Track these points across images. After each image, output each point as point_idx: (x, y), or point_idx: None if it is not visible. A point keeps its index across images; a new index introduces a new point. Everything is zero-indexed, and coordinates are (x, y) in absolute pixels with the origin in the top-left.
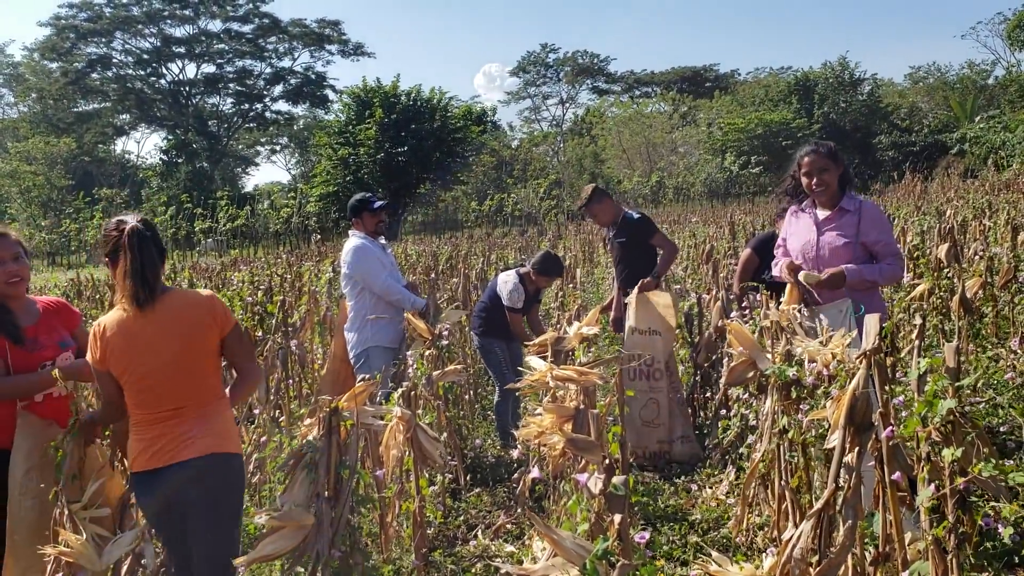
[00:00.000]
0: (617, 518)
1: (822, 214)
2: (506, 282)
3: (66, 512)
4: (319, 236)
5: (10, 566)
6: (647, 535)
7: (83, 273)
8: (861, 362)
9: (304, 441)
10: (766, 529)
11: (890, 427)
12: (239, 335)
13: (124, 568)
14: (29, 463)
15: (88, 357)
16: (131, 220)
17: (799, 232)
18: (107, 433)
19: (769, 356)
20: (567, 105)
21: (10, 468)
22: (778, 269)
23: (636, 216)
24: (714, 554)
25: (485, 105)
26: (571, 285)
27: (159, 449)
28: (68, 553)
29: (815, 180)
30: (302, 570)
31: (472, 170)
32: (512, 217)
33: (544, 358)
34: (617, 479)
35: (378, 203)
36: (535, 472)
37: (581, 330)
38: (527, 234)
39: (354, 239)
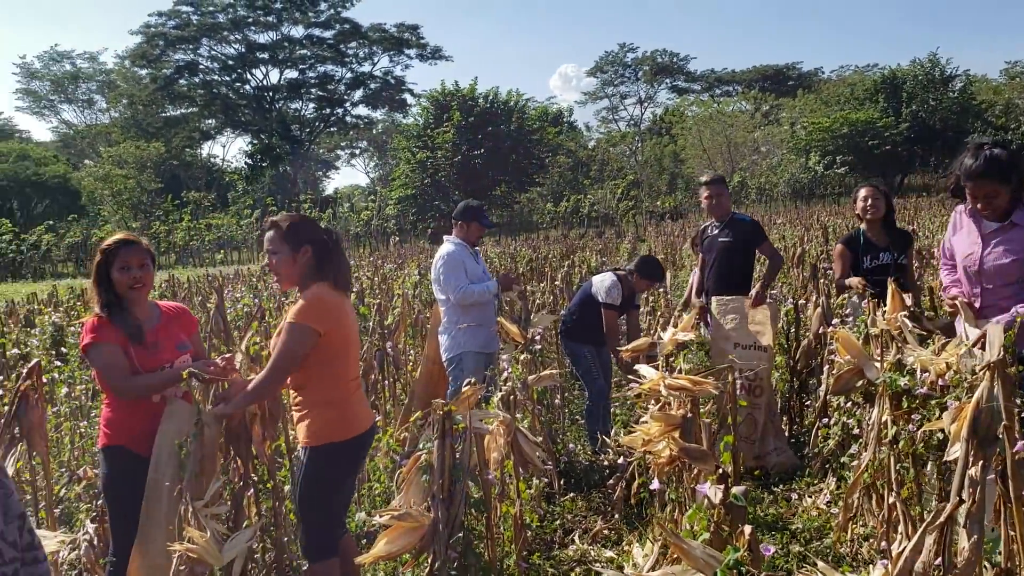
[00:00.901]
0: (748, 529)
1: (989, 226)
2: (603, 281)
3: (190, 508)
4: (397, 238)
5: (136, 560)
6: (772, 548)
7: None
8: (985, 373)
9: (420, 444)
10: (872, 540)
11: (1021, 441)
12: None
13: (237, 565)
14: (172, 450)
15: (311, 323)
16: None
17: (962, 242)
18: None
19: (878, 365)
20: (645, 105)
21: (155, 452)
22: (949, 292)
23: (748, 219)
24: (820, 564)
25: (561, 106)
26: (661, 289)
27: (362, 415)
28: (192, 549)
29: (980, 205)
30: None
31: (548, 171)
32: (588, 218)
33: (635, 363)
34: (737, 489)
35: (489, 221)
36: (655, 484)
37: (676, 335)
38: (604, 236)
39: (447, 245)
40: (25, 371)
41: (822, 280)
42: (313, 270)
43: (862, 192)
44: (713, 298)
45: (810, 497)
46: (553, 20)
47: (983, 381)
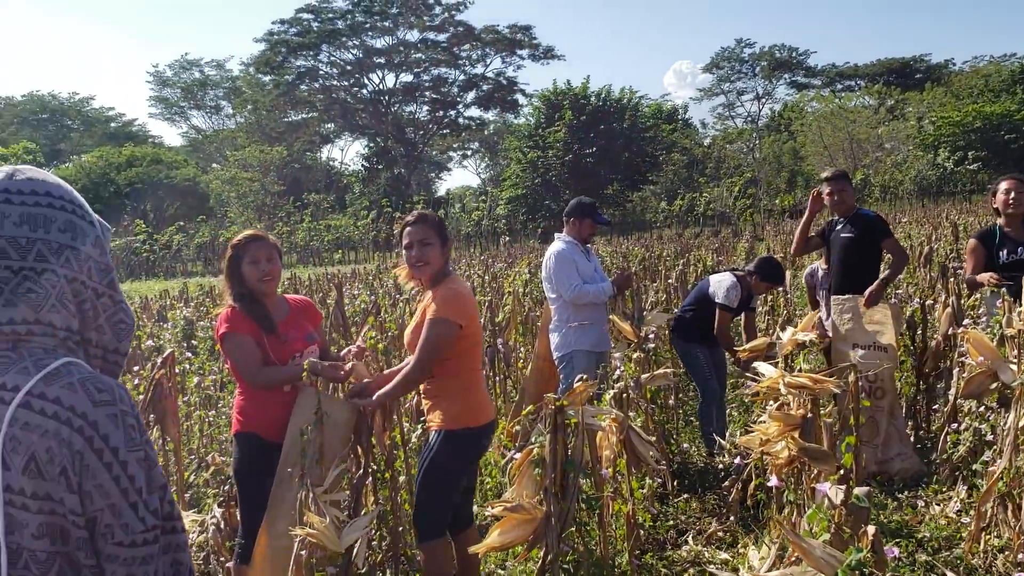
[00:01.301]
0: (871, 529)
1: None
2: (721, 281)
3: (311, 495)
4: (508, 238)
5: (262, 542)
6: (896, 550)
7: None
8: None
9: (532, 438)
10: (1007, 553)
11: None
12: None
13: (356, 550)
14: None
15: (453, 317)
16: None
17: None
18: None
19: (1014, 367)
20: (763, 101)
21: (287, 440)
22: None
23: (873, 214)
24: (949, 575)
25: (676, 103)
26: (780, 289)
27: (488, 404)
28: (312, 533)
29: None
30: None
31: (662, 169)
32: (704, 217)
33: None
34: (859, 490)
35: (603, 218)
36: (774, 480)
37: (796, 335)
38: (720, 235)
39: (558, 243)
40: (159, 361)
41: (951, 280)
42: (444, 265)
43: (1004, 184)
44: (832, 297)
45: (938, 505)
46: (667, 16)
47: None
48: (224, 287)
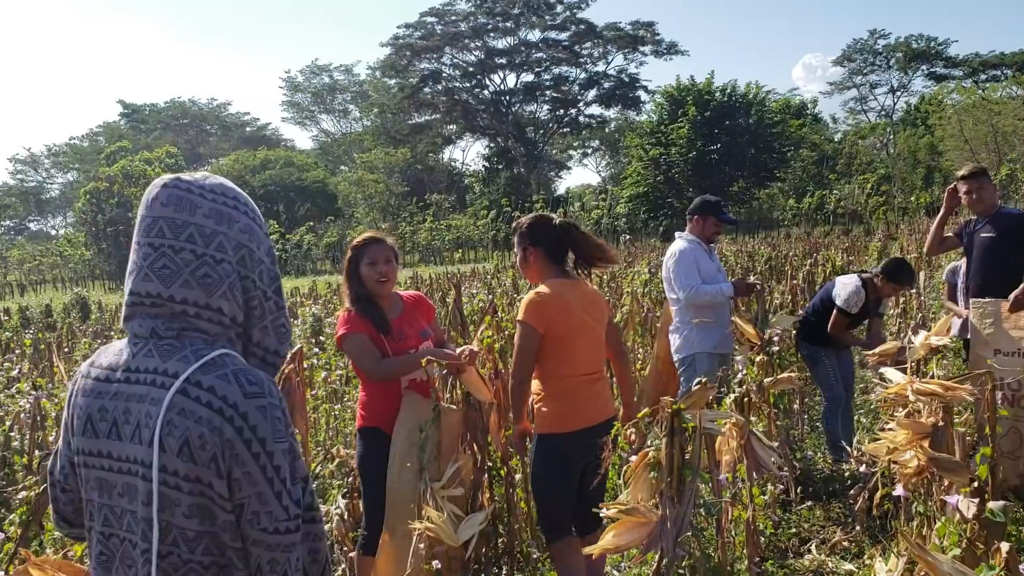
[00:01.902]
0: (1004, 547)
1: None
2: (846, 285)
3: (429, 490)
4: (628, 236)
5: (386, 540)
6: None
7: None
8: None
9: (648, 441)
10: None
11: None
12: None
13: (472, 545)
14: (411, 440)
15: (528, 320)
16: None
17: None
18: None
19: None
20: (898, 94)
21: (392, 443)
22: None
23: (1017, 212)
24: None
25: (804, 98)
26: (914, 291)
27: (590, 409)
28: (431, 528)
29: None
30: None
31: (790, 166)
32: (834, 215)
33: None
34: (994, 504)
35: (728, 216)
36: (899, 490)
37: (929, 339)
38: (852, 233)
39: (680, 242)
40: (288, 357)
41: None
42: (546, 267)
43: None
44: (972, 300)
45: None
46: (796, 8)
47: None
48: (343, 288)
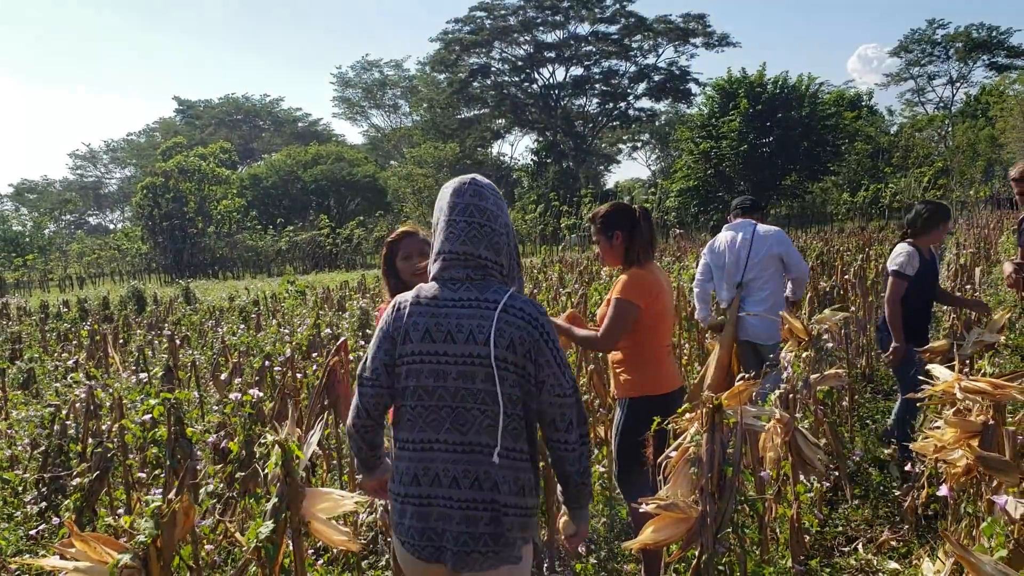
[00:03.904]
0: None
1: None
2: (897, 251)
3: None
4: (679, 231)
5: None
6: None
7: None
8: None
9: (689, 435)
10: None
11: None
12: None
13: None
14: None
15: (633, 299)
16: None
17: None
18: None
19: None
20: (957, 85)
21: None
22: None
23: None
24: None
25: (860, 89)
26: (968, 286)
27: (672, 375)
28: None
29: None
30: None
31: (844, 159)
32: (890, 209)
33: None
34: None
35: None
36: (943, 490)
37: (983, 336)
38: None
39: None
40: (334, 348)
41: None
42: (627, 251)
43: None
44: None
45: None
46: None
47: None
48: (383, 282)
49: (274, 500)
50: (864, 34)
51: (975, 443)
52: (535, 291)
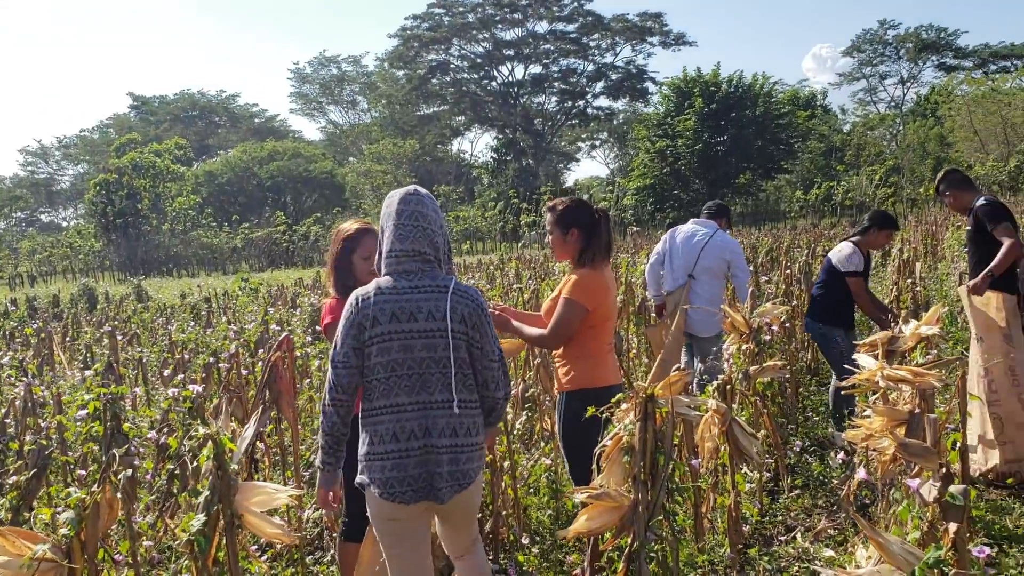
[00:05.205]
0: (952, 527)
1: None
2: (841, 250)
3: None
4: (636, 228)
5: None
6: (987, 550)
7: None
8: None
9: (621, 425)
10: None
11: None
12: None
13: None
14: None
15: (581, 300)
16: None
17: None
18: None
19: None
20: (908, 85)
21: None
22: None
23: (982, 201)
24: None
25: (813, 89)
26: (909, 281)
27: (613, 371)
28: None
29: None
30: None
31: (797, 157)
32: (842, 207)
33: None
34: (955, 488)
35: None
36: (861, 473)
37: (920, 329)
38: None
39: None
40: (275, 344)
41: None
42: (583, 251)
43: None
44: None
45: None
46: None
47: None
48: (328, 277)
49: (206, 493)
50: (819, 34)
51: (901, 431)
52: (488, 287)
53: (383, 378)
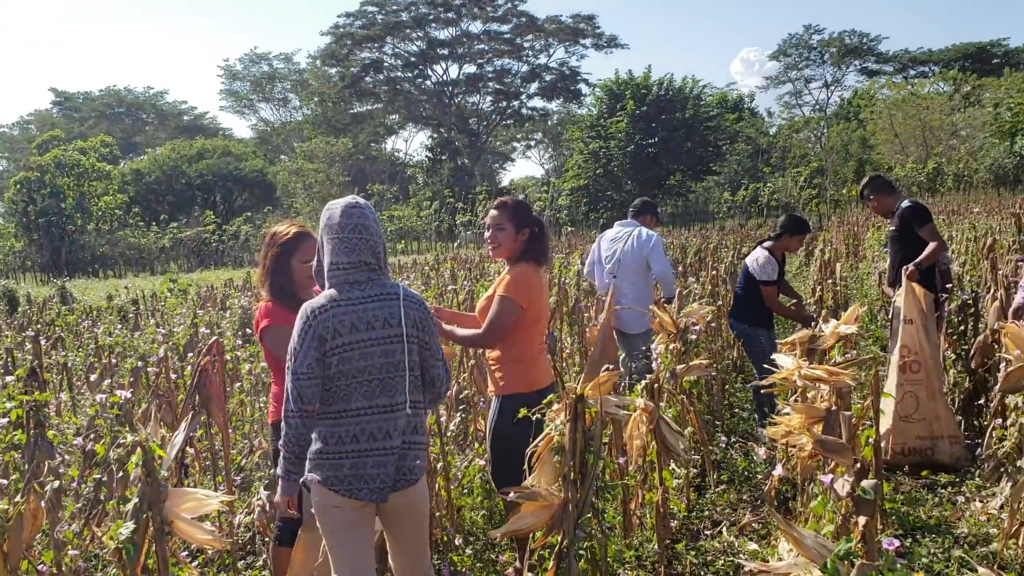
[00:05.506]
0: (862, 520)
1: None
2: (756, 258)
3: None
4: (571, 229)
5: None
6: (897, 541)
7: None
8: None
9: (553, 425)
10: None
11: None
12: None
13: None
14: None
15: (517, 298)
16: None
17: None
18: None
19: None
20: (832, 88)
21: None
22: None
23: (907, 204)
24: (981, 571)
25: (741, 92)
26: (830, 280)
27: (545, 373)
28: None
29: None
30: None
31: (725, 159)
32: (768, 208)
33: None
34: (867, 483)
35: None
36: (779, 471)
37: (839, 328)
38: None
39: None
40: (205, 348)
41: (1001, 271)
42: (525, 249)
43: None
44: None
45: (980, 501)
46: (736, 2)
47: None
48: (261, 280)
49: (135, 501)
50: (748, 38)
51: (818, 428)
52: (424, 288)
53: (343, 384)
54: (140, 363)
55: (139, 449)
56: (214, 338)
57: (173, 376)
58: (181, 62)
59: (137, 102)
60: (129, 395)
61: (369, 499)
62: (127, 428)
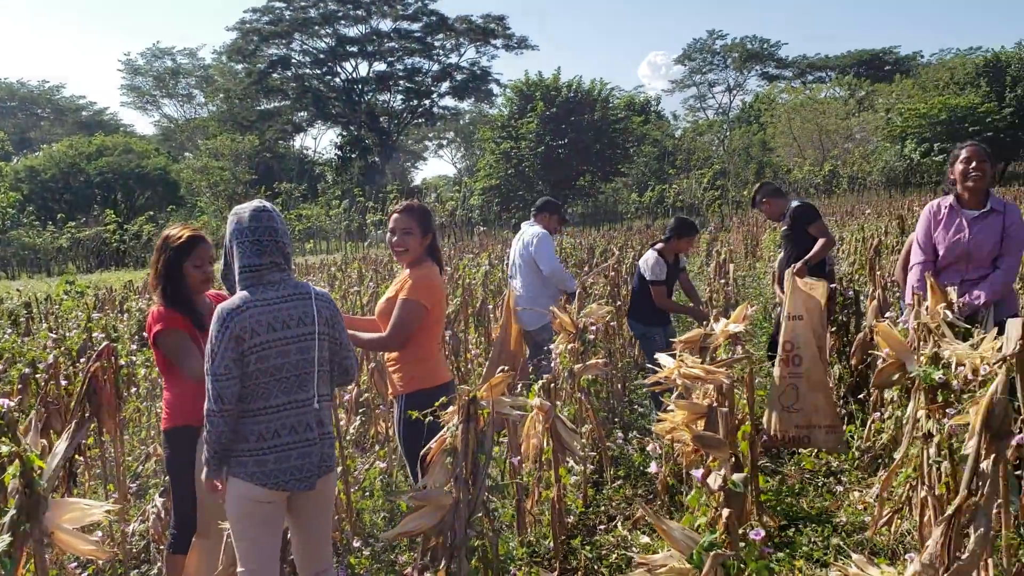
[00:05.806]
0: (726, 512)
1: (970, 213)
2: (646, 260)
3: None
4: (483, 228)
5: (198, 538)
6: (763, 532)
7: None
8: (1001, 367)
9: (447, 427)
10: (913, 534)
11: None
12: None
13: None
14: None
15: (422, 300)
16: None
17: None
18: None
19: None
20: (734, 92)
21: (198, 446)
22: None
23: (796, 203)
24: (854, 556)
25: (648, 95)
26: (723, 281)
27: (444, 369)
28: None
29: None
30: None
31: (633, 161)
32: (674, 208)
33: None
34: (737, 476)
35: (566, 218)
36: (653, 467)
37: (728, 327)
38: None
39: (538, 227)
40: (95, 354)
41: (878, 271)
42: (427, 253)
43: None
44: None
45: (859, 491)
46: (643, 6)
47: (999, 374)
48: (153, 284)
49: (12, 512)
50: (655, 42)
51: (700, 424)
52: (329, 288)
53: (262, 383)
54: (28, 369)
55: (17, 460)
56: (105, 343)
57: (64, 383)
58: (79, 56)
59: (31, 96)
60: (13, 404)
61: (297, 488)
62: (6, 438)
